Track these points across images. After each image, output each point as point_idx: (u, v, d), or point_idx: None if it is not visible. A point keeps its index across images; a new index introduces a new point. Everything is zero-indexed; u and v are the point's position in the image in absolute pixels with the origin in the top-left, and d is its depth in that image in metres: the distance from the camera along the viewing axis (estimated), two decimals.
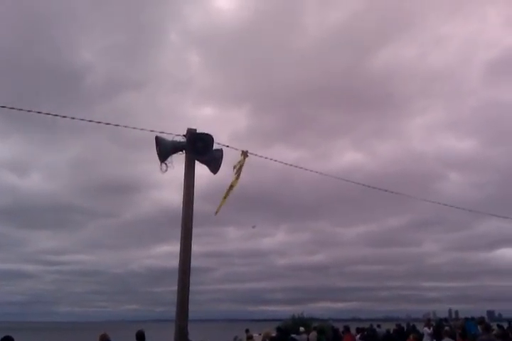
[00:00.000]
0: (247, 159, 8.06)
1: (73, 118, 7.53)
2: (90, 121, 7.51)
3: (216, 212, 7.84)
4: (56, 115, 7.31)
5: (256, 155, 8.22)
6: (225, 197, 7.80)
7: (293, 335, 16.90)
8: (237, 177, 7.86)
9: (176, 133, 7.62)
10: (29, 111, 7.09)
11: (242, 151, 8.00)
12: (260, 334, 19.17)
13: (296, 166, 9.96)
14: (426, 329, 21.01)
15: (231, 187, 7.81)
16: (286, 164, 9.13)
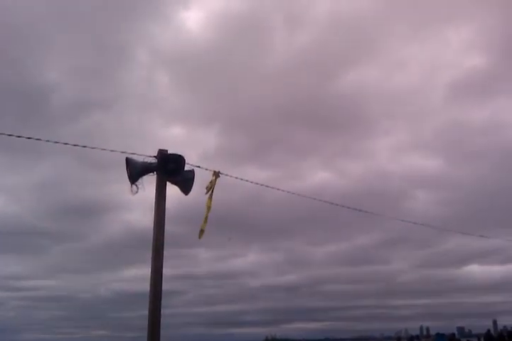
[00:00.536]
0: (218, 179, 8.05)
1: (38, 139, 7.36)
2: (56, 142, 7.37)
3: (200, 237, 7.76)
4: (20, 136, 7.15)
5: (227, 175, 8.23)
6: (205, 221, 7.75)
7: None
8: (210, 198, 7.83)
9: (147, 154, 7.57)
10: None
11: (214, 172, 7.99)
12: None
13: (267, 186, 10.01)
14: None
15: (208, 208, 7.78)
16: (257, 184, 9.16)
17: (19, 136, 7.11)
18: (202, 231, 7.74)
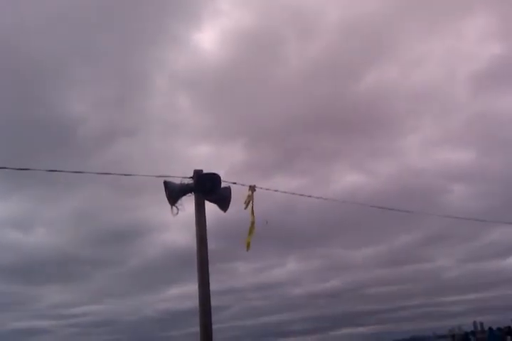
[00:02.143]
0: (254, 193, 8.20)
1: (72, 171, 7.63)
2: (97, 173, 7.65)
3: (247, 249, 7.96)
4: (54, 170, 7.45)
5: (263, 188, 8.38)
6: (250, 234, 7.95)
7: None
8: (252, 213, 8.02)
9: (181, 175, 7.78)
10: (27, 169, 7.21)
11: (250, 186, 8.15)
12: None
13: (301, 194, 10.11)
14: None
15: (252, 224, 7.97)
16: (293, 194, 9.27)
17: (53, 170, 7.41)
18: (248, 244, 7.93)
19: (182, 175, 7.82)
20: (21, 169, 7.10)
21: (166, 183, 7.48)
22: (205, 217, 7.70)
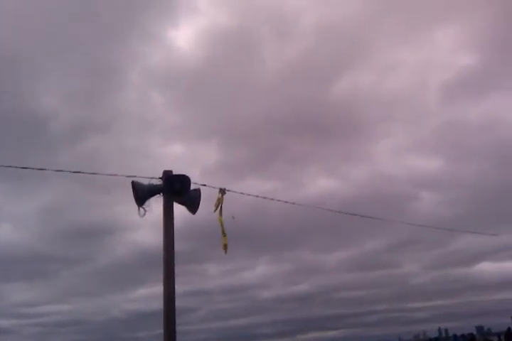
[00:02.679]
0: (224, 196, 8.11)
1: (44, 169, 7.45)
2: (59, 171, 7.45)
3: (225, 252, 7.87)
4: (26, 168, 7.26)
5: (233, 191, 8.28)
6: (224, 236, 7.85)
7: None
8: (220, 214, 7.94)
9: (150, 174, 7.64)
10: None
11: (220, 189, 8.06)
12: None
13: (272, 198, 10.07)
14: None
15: (222, 224, 7.90)
16: (264, 198, 9.21)
17: (24, 168, 7.21)
18: (225, 246, 7.85)
19: (151, 175, 7.68)
20: None
21: (133, 183, 7.32)
22: (173, 219, 7.59)
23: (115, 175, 7.38)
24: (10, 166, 7.22)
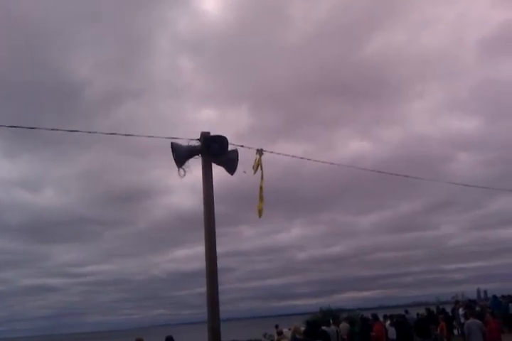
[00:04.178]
0: (262, 156, 8.10)
1: (84, 131, 7.61)
2: (97, 133, 7.59)
3: (260, 216, 7.94)
4: (72, 131, 7.44)
5: (271, 152, 8.27)
6: (261, 200, 7.89)
7: (323, 328, 16.90)
8: (262, 177, 7.94)
9: (189, 137, 7.69)
10: (35, 128, 7.22)
11: (257, 150, 8.04)
12: (290, 329, 19.28)
13: (310, 159, 10.03)
14: (461, 310, 21.14)
15: (261, 188, 7.90)
16: (301, 158, 9.17)
17: (69, 130, 7.38)
18: (260, 211, 7.92)
19: (189, 137, 7.72)
20: (30, 128, 7.10)
21: (173, 145, 7.40)
22: (212, 179, 7.66)
23: (155, 136, 7.48)
24: (34, 128, 7.38)
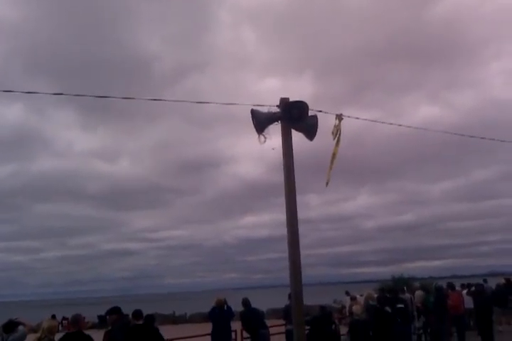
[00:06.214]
0: (342, 122, 7.92)
1: (173, 100, 7.80)
2: (185, 101, 7.74)
3: (327, 184, 7.88)
4: (154, 99, 7.63)
5: (351, 117, 8.07)
6: (330, 168, 7.80)
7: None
8: (338, 144, 7.77)
9: (268, 104, 7.64)
10: (106, 97, 7.46)
11: (337, 115, 7.86)
12: (362, 296, 19.30)
13: (390, 123, 9.72)
14: None
15: (334, 155, 7.77)
16: (382, 122, 8.90)
17: (142, 99, 7.58)
18: (328, 180, 7.84)
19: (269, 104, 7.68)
20: (100, 97, 7.38)
21: (253, 111, 7.39)
22: (291, 145, 7.62)
23: (236, 104, 7.52)
24: (119, 97, 7.60)
